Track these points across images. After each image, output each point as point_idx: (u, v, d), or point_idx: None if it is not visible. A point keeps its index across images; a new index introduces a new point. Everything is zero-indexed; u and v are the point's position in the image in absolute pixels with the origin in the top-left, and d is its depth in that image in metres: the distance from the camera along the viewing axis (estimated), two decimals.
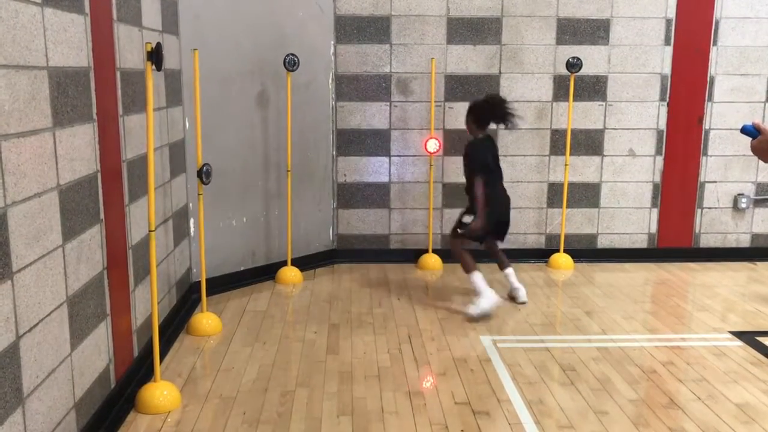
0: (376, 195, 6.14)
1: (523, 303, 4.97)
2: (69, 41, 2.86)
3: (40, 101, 2.60)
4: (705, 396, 3.62)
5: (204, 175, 4.23)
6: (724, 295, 5.34)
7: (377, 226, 6.18)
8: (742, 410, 3.48)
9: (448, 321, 4.71)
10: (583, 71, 5.87)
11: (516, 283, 5.02)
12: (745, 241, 6.35)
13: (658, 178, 6.22)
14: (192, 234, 4.99)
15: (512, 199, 6.11)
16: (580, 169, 6.16)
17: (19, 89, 2.42)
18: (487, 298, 4.62)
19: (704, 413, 3.44)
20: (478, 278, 4.66)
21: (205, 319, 4.47)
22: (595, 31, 5.98)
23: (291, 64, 5.21)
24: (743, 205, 6.23)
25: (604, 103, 6.09)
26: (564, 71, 5.87)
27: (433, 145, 5.78)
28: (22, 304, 2.45)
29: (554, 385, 3.75)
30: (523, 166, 6.14)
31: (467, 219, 4.72)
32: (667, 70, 6.06)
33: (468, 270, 4.70)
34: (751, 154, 2.44)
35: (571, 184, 6.12)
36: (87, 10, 3.05)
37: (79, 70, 2.96)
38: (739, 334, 4.50)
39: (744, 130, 2.34)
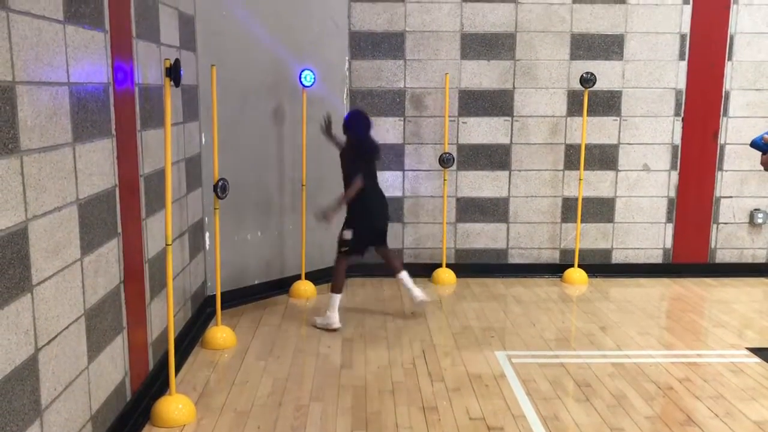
0: (389, 209, 6.13)
1: (422, 301, 5.00)
2: (89, 58, 2.91)
3: (61, 117, 2.64)
4: (723, 413, 3.59)
5: (220, 189, 4.27)
6: (740, 311, 5.29)
7: (391, 240, 6.16)
8: (761, 428, 3.44)
9: (462, 336, 4.70)
10: (597, 86, 5.87)
11: (410, 285, 5.02)
12: (761, 257, 6.30)
13: (673, 193, 6.20)
14: (207, 248, 5.02)
15: (526, 214, 6.19)
16: (594, 183, 6.15)
17: (40, 105, 2.46)
18: (332, 319, 4.76)
19: (722, 431, 3.40)
20: (337, 301, 4.80)
21: (220, 333, 4.48)
22: (609, 47, 5.99)
23: (307, 79, 5.25)
24: (759, 221, 6.19)
25: (618, 118, 6.08)
26: (578, 86, 5.88)
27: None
28: (41, 316, 2.47)
29: (569, 401, 3.73)
30: (537, 180, 6.14)
31: (347, 234, 4.84)
32: (682, 85, 6.05)
33: (335, 290, 4.83)
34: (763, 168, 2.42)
35: (585, 199, 6.10)
36: (107, 27, 3.10)
37: (98, 86, 3.01)
38: (757, 351, 4.45)
39: (754, 145, 2.33)
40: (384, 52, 5.95)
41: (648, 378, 4.02)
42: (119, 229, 3.25)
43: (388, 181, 6.09)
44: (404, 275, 5.04)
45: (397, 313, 5.19)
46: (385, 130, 6.03)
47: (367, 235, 4.91)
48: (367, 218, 4.89)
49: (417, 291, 5.00)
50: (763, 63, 6.02)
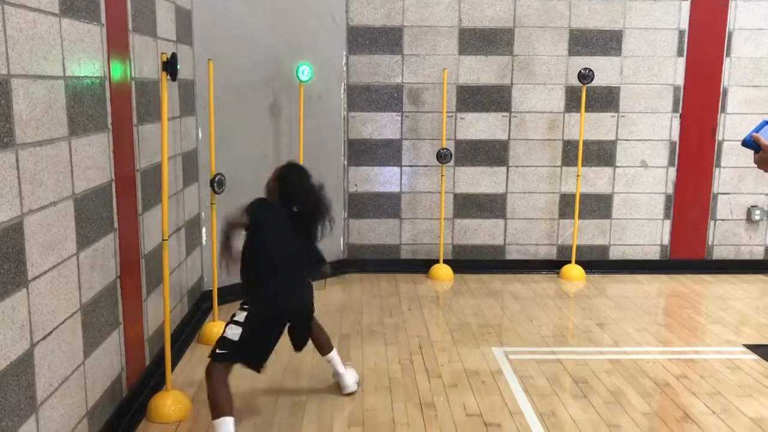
0: (387, 205, 6.14)
1: (352, 393, 3.70)
2: (85, 51, 2.89)
3: (57, 110, 2.62)
4: (719, 410, 3.59)
5: (217, 184, 4.25)
6: (737, 308, 5.30)
7: (388, 236, 6.18)
8: (757, 424, 3.44)
9: (459, 332, 4.69)
10: (596, 82, 5.86)
11: (340, 368, 3.71)
12: (758, 254, 6.30)
13: (670, 190, 6.19)
14: (204, 243, 5.01)
15: (524, 210, 6.17)
16: (592, 180, 6.14)
17: (36, 99, 2.44)
18: None
19: (718, 427, 3.41)
20: (226, 428, 3.02)
21: (217, 328, 4.45)
22: (608, 42, 5.98)
23: (304, 74, 5.23)
24: (757, 217, 6.19)
25: (616, 114, 6.08)
26: (576, 82, 5.86)
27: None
28: (37, 311, 2.46)
29: (566, 397, 3.73)
30: (535, 176, 6.13)
31: (238, 317, 3.17)
32: (680, 81, 6.04)
33: (217, 413, 3.04)
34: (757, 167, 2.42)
35: (583, 195, 6.10)
36: (103, 20, 3.08)
37: (94, 80, 2.99)
38: (754, 347, 4.46)
39: (745, 144, 2.34)
40: (382, 47, 5.93)
41: (645, 374, 4.02)
42: (115, 224, 3.24)
43: (386, 177, 6.09)
44: (334, 355, 3.72)
45: (395, 308, 5.19)
46: (382, 126, 6.02)
47: (265, 332, 3.22)
48: (269, 302, 3.23)
49: (349, 377, 3.72)
50: (762, 59, 6.01)
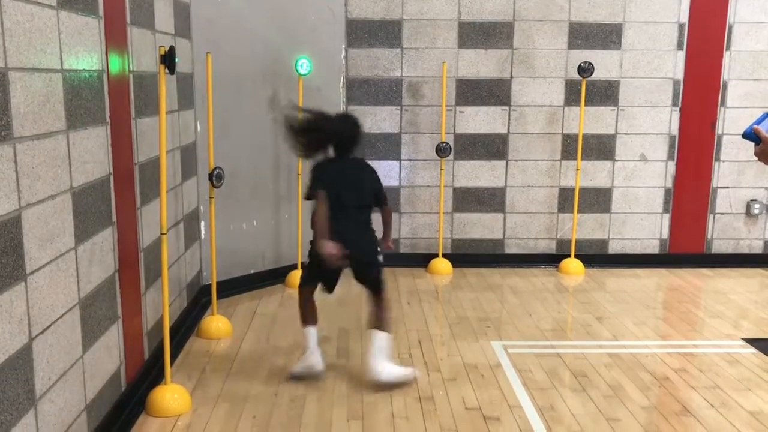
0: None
1: (379, 381, 3.68)
2: (83, 44, 2.87)
3: (55, 104, 2.61)
4: (718, 403, 3.59)
5: (215, 178, 4.24)
6: (736, 302, 5.30)
7: None
8: (756, 418, 3.45)
9: (458, 326, 4.69)
10: (595, 76, 5.85)
11: (373, 350, 3.71)
12: (757, 248, 6.30)
13: (670, 184, 6.19)
14: (203, 237, 5.00)
15: (523, 204, 6.16)
16: (591, 174, 6.14)
17: (34, 92, 2.43)
18: (306, 359, 3.78)
19: (717, 421, 3.41)
20: (310, 335, 3.82)
21: (216, 322, 4.47)
22: (608, 36, 5.96)
23: (303, 67, 5.21)
24: (756, 211, 6.19)
25: (615, 108, 6.07)
26: (576, 76, 5.85)
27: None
28: (35, 305, 2.45)
29: (565, 391, 3.73)
30: (534, 170, 6.12)
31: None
32: (680, 75, 6.03)
33: (302, 324, 3.86)
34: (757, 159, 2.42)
35: (582, 189, 6.09)
36: (101, 13, 3.07)
37: (92, 73, 2.97)
38: (753, 341, 4.46)
39: (745, 136, 2.34)
40: (381, 41, 5.92)
41: (644, 368, 4.02)
42: (114, 218, 3.23)
43: (385, 171, 6.08)
44: (378, 336, 3.73)
45: (394, 303, 5.18)
46: (381, 119, 6.01)
47: (316, 262, 3.76)
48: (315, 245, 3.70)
49: (382, 367, 3.69)
50: (762, 53, 6.00)
